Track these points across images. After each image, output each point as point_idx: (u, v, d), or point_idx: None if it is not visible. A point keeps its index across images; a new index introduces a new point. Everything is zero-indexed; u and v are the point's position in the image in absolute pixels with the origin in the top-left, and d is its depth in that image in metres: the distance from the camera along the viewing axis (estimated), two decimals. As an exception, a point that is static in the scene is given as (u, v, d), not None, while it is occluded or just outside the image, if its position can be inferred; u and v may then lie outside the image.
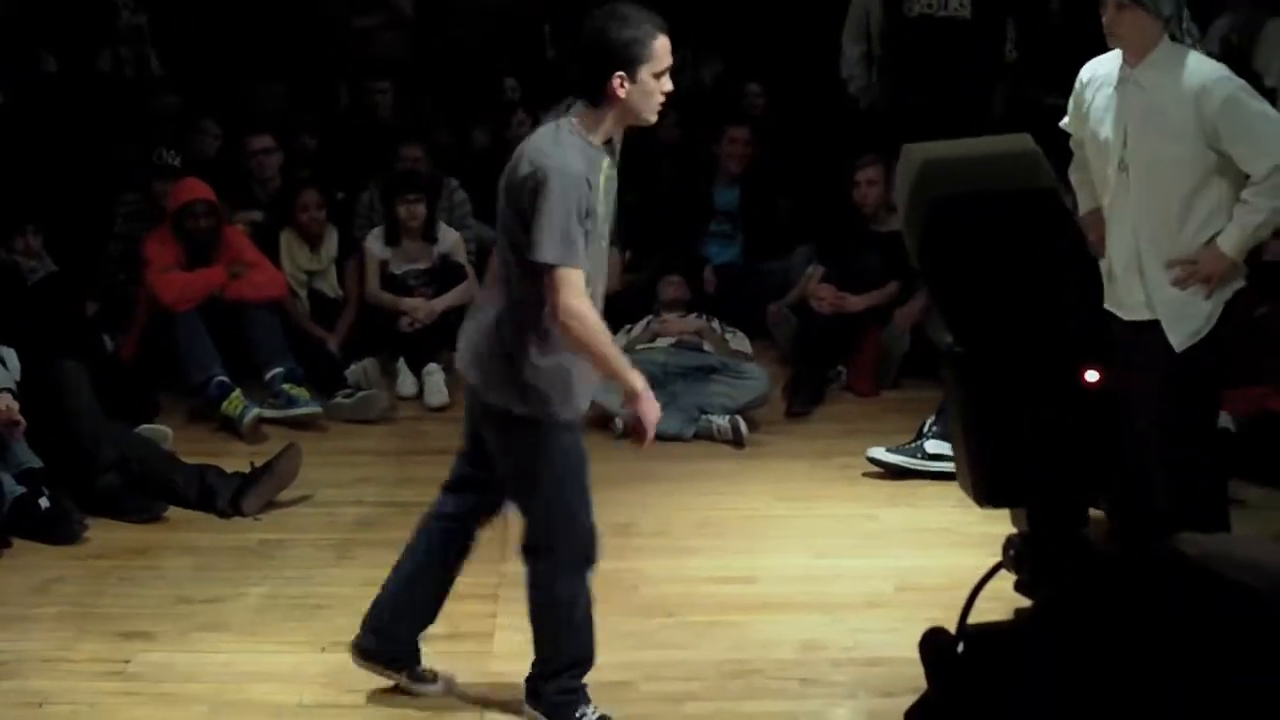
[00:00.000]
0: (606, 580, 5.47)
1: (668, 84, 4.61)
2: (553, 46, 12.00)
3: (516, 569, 5.02)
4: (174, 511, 6.86)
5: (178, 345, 8.12)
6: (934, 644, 1.75)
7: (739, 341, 8.58)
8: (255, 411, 7.92)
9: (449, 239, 9.19)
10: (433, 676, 5.23)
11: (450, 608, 5.19)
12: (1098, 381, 1.98)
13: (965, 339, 2.05)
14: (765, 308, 9.17)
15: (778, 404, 8.19)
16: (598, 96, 4.57)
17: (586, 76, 4.58)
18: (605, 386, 7.72)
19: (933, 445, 7.06)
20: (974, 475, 2.09)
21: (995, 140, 2.16)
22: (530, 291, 4.60)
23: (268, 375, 8.22)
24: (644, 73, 4.54)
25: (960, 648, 1.83)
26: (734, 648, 5.54)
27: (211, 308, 8.27)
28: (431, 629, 5.27)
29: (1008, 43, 9.76)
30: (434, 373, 8.51)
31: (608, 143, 4.70)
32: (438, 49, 11.75)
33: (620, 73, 4.53)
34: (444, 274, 9.03)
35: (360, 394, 8.29)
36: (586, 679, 5.00)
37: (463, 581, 5.30)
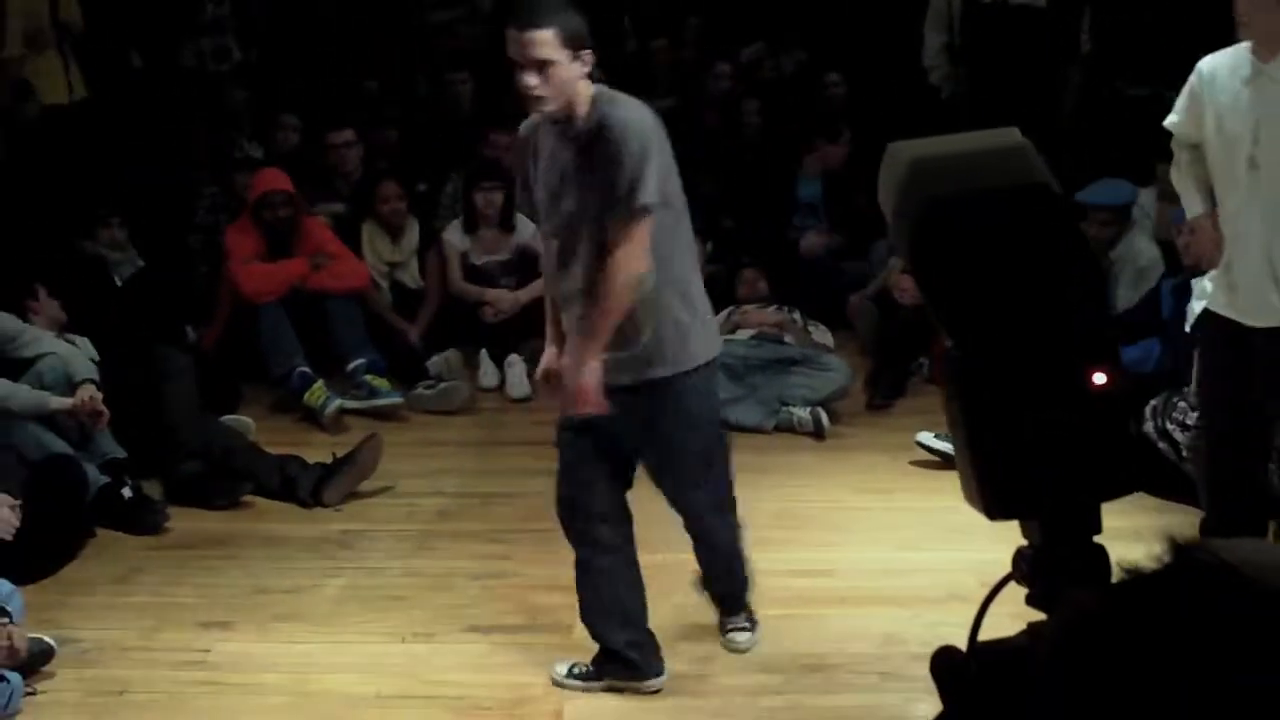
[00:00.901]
0: (684, 571, 5.45)
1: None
2: (634, 37, 11.99)
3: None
4: (255, 501, 6.91)
5: (260, 336, 8.16)
6: (945, 663, 1.69)
7: (820, 333, 8.52)
8: (337, 402, 7.95)
9: (527, 229, 9.12)
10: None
11: (530, 599, 5.18)
12: (1105, 384, 1.92)
13: (964, 343, 2.00)
14: (847, 299, 9.11)
15: (859, 396, 8.12)
16: None
17: None
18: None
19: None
20: (980, 487, 2.03)
21: (983, 135, 2.11)
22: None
23: (350, 366, 8.24)
24: None
25: (973, 666, 1.78)
26: (812, 641, 5.50)
27: (294, 299, 8.31)
28: (511, 619, 5.26)
29: (1083, 34, 9.67)
30: (516, 364, 8.49)
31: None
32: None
33: None
34: (523, 265, 8.92)
35: (442, 385, 8.30)
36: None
37: (541, 573, 5.28)
